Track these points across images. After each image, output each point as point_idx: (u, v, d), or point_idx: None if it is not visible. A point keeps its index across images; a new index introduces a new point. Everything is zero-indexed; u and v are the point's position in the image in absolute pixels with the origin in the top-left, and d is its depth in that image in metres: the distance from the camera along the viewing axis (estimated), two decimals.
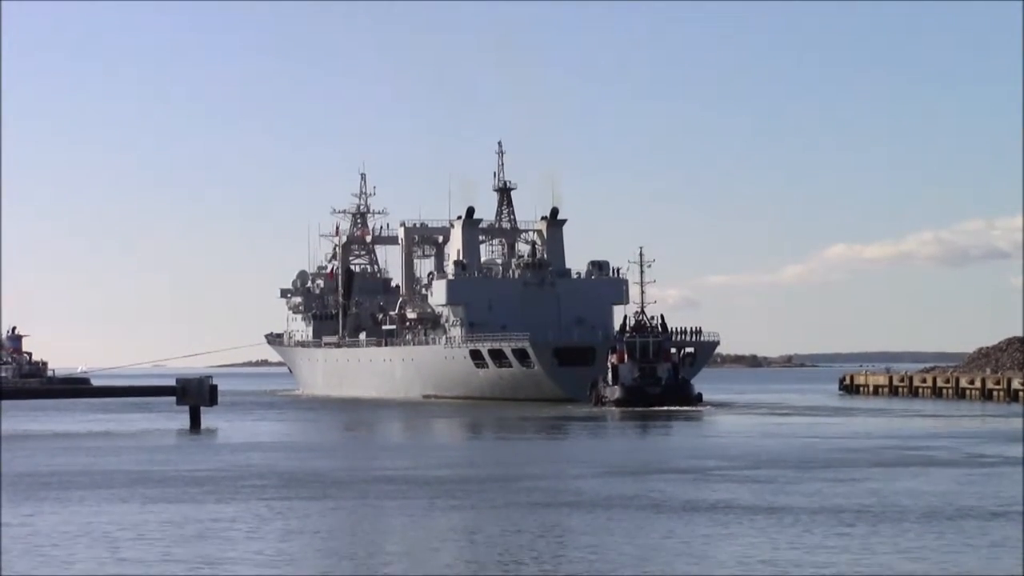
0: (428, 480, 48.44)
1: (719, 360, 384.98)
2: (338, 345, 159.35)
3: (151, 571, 29.60)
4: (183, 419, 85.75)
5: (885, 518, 36.53)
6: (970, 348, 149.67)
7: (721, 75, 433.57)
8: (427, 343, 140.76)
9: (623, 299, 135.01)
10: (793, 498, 41.56)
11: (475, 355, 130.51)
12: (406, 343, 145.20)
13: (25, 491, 45.24)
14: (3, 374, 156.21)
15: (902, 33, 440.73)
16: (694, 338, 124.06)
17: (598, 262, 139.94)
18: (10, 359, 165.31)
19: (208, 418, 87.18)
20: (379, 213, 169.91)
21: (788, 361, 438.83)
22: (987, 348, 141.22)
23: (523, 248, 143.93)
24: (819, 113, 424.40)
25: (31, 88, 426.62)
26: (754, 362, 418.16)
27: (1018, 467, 51.56)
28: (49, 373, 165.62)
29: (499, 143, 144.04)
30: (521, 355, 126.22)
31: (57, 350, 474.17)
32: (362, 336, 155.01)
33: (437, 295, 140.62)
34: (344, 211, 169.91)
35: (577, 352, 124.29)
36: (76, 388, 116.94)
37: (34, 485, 47.36)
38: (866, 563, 29.70)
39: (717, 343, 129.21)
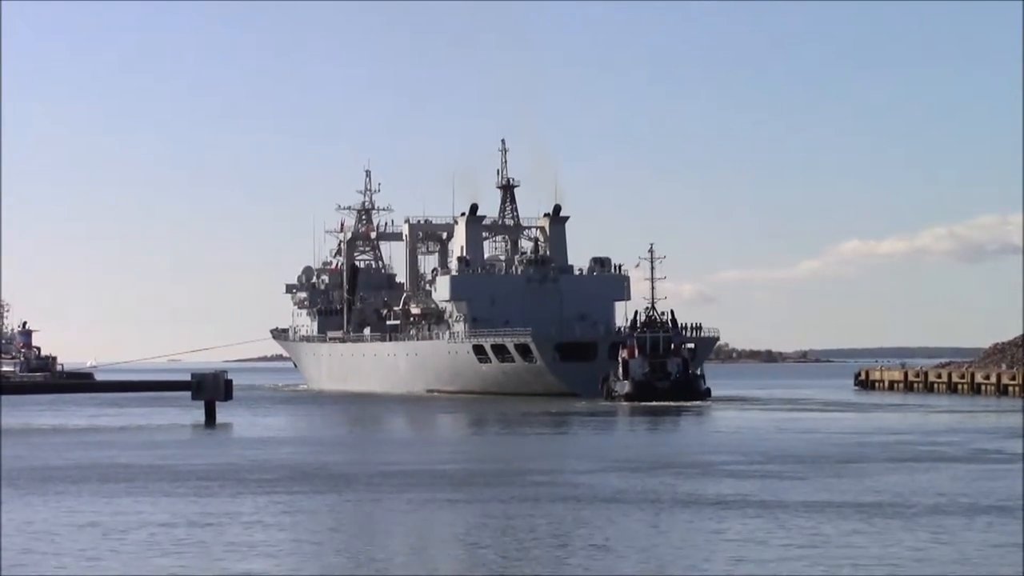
0: (435, 474, 48.69)
1: (734, 355, 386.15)
2: (343, 340, 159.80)
3: (165, 564, 29.80)
4: (198, 414, 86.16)
5: (895, 514, 36.67)
6: (985, 343, 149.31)
7: (731, 70, 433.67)
8: (431, 338, 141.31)
9: (625, 295, 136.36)
10: (802, 493, 41.73)
11: (478, 350, 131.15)
12: (410, 338, 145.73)
13: (38, 486, 45.47)
14: (10, 368, 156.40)
15: (916, 29, 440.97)
16: (694, 334, 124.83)
17: (600, 259, 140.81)
18: (18, 354, 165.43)
19: (223, 413, 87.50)
20: (384, 210, 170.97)
21: (803, 357, 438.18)
22: (1002, 343, 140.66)
23: (526, 244, 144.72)
24: (833, 108, 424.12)
25: (36, 86, 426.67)
26: (769, 357, 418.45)
27: None
28: (59, 368, 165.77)
29: (502, 140, 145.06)
30: (524, 350, 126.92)
31: (70, 345, 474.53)
32: (366, 331, 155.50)
33: (441, 291, 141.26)
34: (349, 207, 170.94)
35: (579, 348, 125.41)
36: (89, 383, 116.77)
37: (48, 479, 47.56)
38: (872, 560, 29.85)
39: (716, 339, 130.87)
